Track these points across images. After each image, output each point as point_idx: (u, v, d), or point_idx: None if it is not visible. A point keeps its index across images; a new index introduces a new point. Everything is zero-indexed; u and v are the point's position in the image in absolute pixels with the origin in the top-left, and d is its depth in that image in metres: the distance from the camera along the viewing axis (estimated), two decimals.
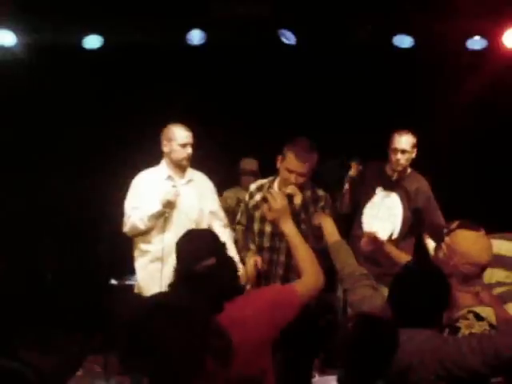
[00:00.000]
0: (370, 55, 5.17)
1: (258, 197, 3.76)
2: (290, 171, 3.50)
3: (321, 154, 3.60)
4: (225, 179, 4.91)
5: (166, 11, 4.91)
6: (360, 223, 4.33)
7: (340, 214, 4.27)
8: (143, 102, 5.28)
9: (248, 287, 3.57)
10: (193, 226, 3.87)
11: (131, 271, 4.65)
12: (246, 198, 3.85)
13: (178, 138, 3.95)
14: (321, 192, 3.71)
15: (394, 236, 3.72)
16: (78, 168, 5.30)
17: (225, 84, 5.41)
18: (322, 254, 2.99)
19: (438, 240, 2.64)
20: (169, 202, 3.86)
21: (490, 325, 2.33)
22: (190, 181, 4.08)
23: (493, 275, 2.67)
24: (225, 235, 3.86)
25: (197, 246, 2.32)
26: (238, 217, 3.93)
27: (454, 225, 2.59)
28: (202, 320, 1.83)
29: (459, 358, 2.07)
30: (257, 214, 3.73)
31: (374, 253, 4.14)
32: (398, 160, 4.25)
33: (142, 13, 4.92)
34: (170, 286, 2.32)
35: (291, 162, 3.49)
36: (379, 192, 4.27)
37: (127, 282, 4.73)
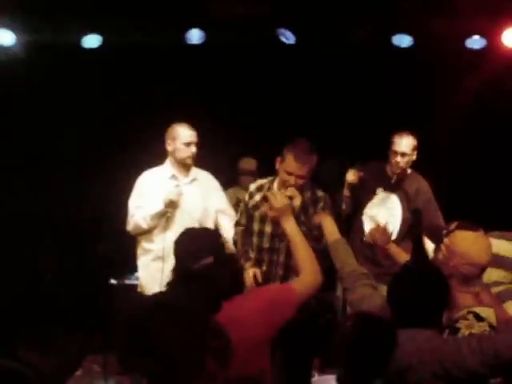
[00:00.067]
0: (369, 55, 5.17)
1: (257, 197, 3.75)
2: (289, 173, 3.49)
3: (320, 153, 3.59)
4: (224, 179, 4.91)
5: (166, 10, 4.91)
6: (360, 223, 4.34)
7: (340, 214, 4.25)
8: (142, 102, 5.29)
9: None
10: (196, 226, 3.89)
11: (131, 271, 4.66)
12: (246, 198, 3.83)
13: (182, 136, 3.98)
14: (320, 193, 3.70)
15: (393, 237, 3.72)
16: (78, 168, 5.30)
17: (224, 83, 5.41)
18: (322, 253, 3.00)
19: (437, 241, 2.64)
20: (171, 201, 3.88)
21: (490, 325, 2.33)
22: (193, 180, 4.10)
23: (490, 275, 2.67)
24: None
25: (195, 244, 2.32)
26: (238, 217, 3.92)
27: (453, 226, 2.59)
28: (202, 320, 1.83)
29: (459, 358, 2.07)
30: (256, 214, 3.72)
31: (373, 253, 4.17)
32: (397, 163, 4.22)
33: (142, 12, 4.92)
34: (169, 284, 2.32)
35: (290, 164, 3.48)
36: (379, 193, 4.27)
37: (127, 282, 4.74)
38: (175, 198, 3.90)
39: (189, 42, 5.04)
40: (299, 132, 3.71)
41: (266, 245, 3.69)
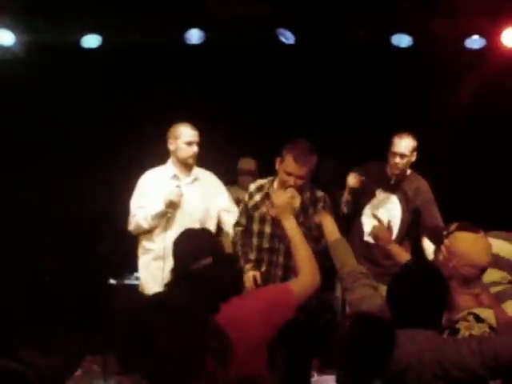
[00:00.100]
0: (369, 54, 5.17)
1: (257, 197, 3.74)
2: (289, 174, 3.48)
3: (320, 153, 3.59)
4: (223, 179, 4.91)
5: (165, 10, 4.91)
6: (360, 224, 4.34)
7: (339, 214, 4.25)
8: (142, 102, 5.29)
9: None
10: (197, 225, 3.91)
11: (130, 271, 4.66)
12: (246, 198, 3.83)
13: (184, 136, 3.99)
14: (319, 193, 3.69)
15: (392, 238, 3.71)
16: (78, 168, 5.30)
17: (223, 83, 5.41)
18: (321, 253, 3.00)
19: (437, 242, 2.64)
20: (171, 202, 3.89)
21: (490, 327, 2.33)
22: (195, 180, 4.11)
23: (490, 275, 2.67)
24: None
25: (193, 245, 2.32)
26: (238, 217, 3.91)
27: (453, 227, 2.59)
28: (202, 320, 1.83)
29: (459, 359, 2.08)
30: (256, 215, 3.72)
31: (372, 253, 4.17)
32: (396, 164, 4.19)
33: (141, 12, 4.92)
34: (167, 285, 2.33)
35: (290, 165, 3.46)
36: (379, 193, 4.27)
37: (126, 282, 4.74)
38: (175, 198, 3.91)
39: (188, 42, 5.04)
40: (299, 132, 3.70)
41: (265, 245, 3.68)
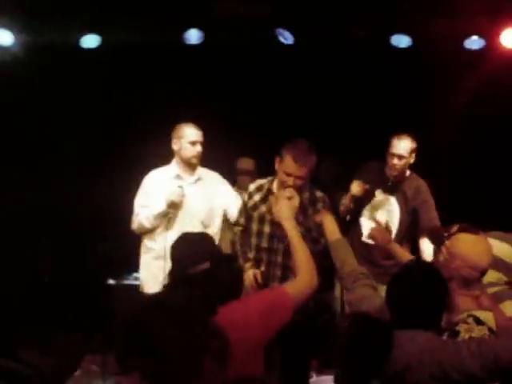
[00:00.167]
0: (368, 55, 5.17)
1: (257, 197, 3.74)
2: (288, 174, 3.47)
3: (319, 153, 3.58)
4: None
5: (165, 10, 4.91)
6: (359, 224, 4.34)
7: (339, 215, 4.24)
8: (141, 101, 5.29)
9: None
10: (199, 226, 3.93)
11: (129, 271, 4.67)
12: (245, 198, 3.83)
13: (188, 135, 4.01)
14: (319, 193, 3.68)
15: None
16: (78, 168, 5.31)
17: (223, 83, 5.41)
18: (320, 253, 3.00)
19: (437, 243, 2.64)
20: (173, 202, 3.91)
21: (490, 329, 2.33)
22: (198, 180, 4.11)
23: (488, 276, 2.67)
24: None
25: (191, 249, 2.32)
26: (237, 217, 3.92)
27: (454, 228, 2.59)
28: (201, 320, 1.84)
29: (458, 361, 2.08)
30: (255, 215, 3.71)
31: (371, 254, 4.17)
32: (394, 165, 4.18)
33: (140, 12, 4.92)
34: (165, 287, 2.33)
35: (289, 165, 3.46)
36: (378, 194, 4.26)
37: (125, 282, 4.74)
38: (177, 198, 3.92)
39: (187, 42, 5.04)
40: (298, 132, 3.70)
41: (264, 245, 3.68)
